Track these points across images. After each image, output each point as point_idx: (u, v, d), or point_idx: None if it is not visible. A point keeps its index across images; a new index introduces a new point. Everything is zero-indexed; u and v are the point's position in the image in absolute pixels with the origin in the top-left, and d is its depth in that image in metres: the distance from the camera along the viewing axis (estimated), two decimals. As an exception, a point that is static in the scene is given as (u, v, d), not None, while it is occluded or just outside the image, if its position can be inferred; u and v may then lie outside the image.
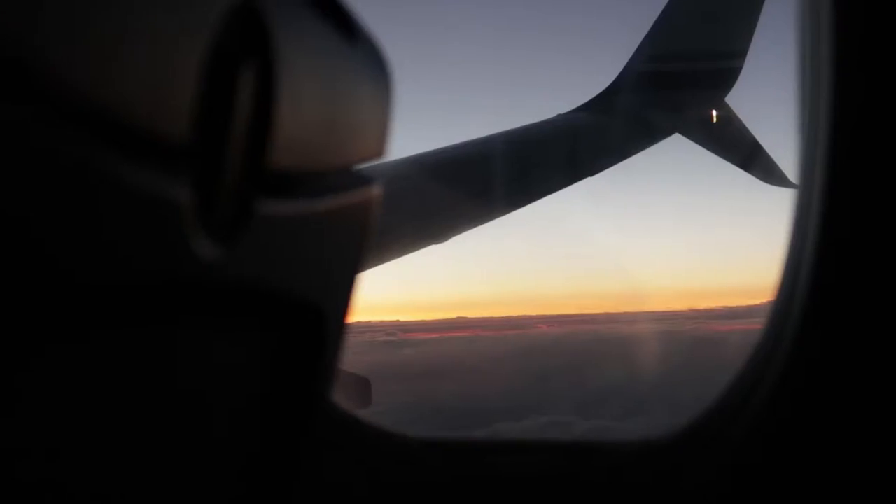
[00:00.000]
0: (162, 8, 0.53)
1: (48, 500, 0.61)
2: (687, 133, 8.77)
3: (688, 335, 15.91)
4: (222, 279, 0.65)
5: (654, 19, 8.89)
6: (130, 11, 0.51)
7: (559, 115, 8.92)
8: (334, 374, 0.93)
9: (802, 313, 1.20)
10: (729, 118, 8.73)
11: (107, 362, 0.63)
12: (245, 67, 0.62)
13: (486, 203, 7.98)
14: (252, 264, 0.68)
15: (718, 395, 1.31)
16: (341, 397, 1.33)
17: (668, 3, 8.74)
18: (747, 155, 8.77)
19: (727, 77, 8.53)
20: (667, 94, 8.59)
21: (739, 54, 8.41)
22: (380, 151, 0.87)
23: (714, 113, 8.70)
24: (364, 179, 0.86)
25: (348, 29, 0.79)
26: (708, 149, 8.91)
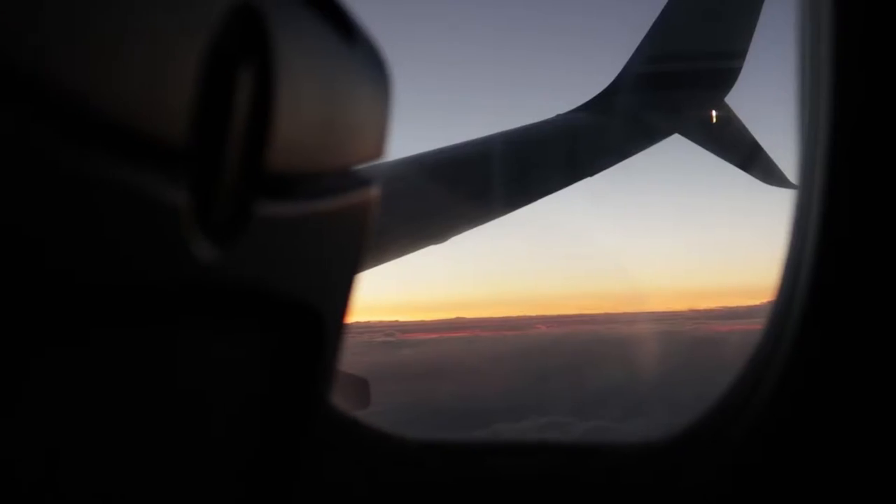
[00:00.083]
0: (160, 9, 0.53)
1: (48, 501, 0.61)
2: (686, 133, 8.78)
3: (687, 335, 15.92)
4: (221, 281, 0.65)
5: (653, 19, 8.91)
6: (128, 12, 0.51)
7: (558, 116, 8.93)
8: (333, 375, 0.93)
9: (802, 314, 1.20)
10: (728, 118, 8.74)
11: (106, 364, 0.63)
12: (243, 68, 0.62)
13: (486, 203, 7.99)
14: (250, 266, 0.68)
15: (719, 395, 1.31)
16: (340, 398, 1.33)
17: (668, 2, 8.75)
18: (747, 155, 8.78)
19: (727, 77, 8.54)
20: (666, 95, 8.60)
21: (739, 54, 8.42)
22: (378, 152, 0.87)
23: (713, 113, 8.70)
24: (362, 181, 0.85)
25: (347, 29, 0.78)
26: (707, 149, 8.92)
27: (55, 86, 0.46)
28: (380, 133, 0.87)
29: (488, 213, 8.11)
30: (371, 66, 0.84)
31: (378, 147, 0.86)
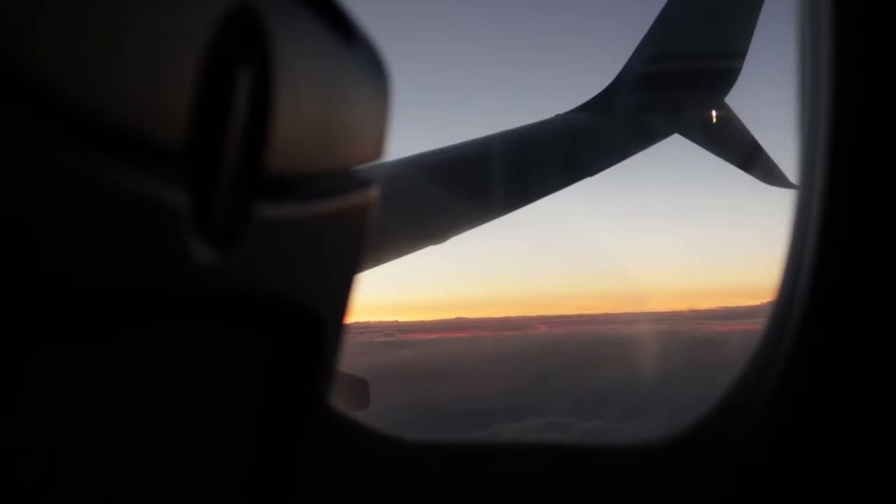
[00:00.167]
0: (158, 10, 0.53)
1: (47, 502, 0.60)
2: (686, 133, 8.78)
3: (687, 336, 15.92)
4: (219, 283, 0.65)
5: (653, 19, 8.91)
6: (126, 13, 0.50)
7: (558, 116, 8.93)
8: (332, 377, 0.92)
9: (803, 314, 1.20)
10: (728, 118, 8.74)
11: (105, 367, 0.62)
12: (242, 69, 0.61)
13: (485, 203, 7.99)
14: (249, 267, 0.68)
15: (719, 396, 1.31)
16: (339, 399, 1.33)
17: (668, 2, 8.75)
18: (747, 155, 8.78)
19: (726, 77, 8.54)
20: (666, 95, 8.60)
21: (739, 54, 8.42)
22: (377, 153, 0.86)
23: (713, 113, 8.70)
24: (362, 182, 0.85)
25: (345, 30, 0.78)
26: (707, 149, 8.93)
27: (53, 86, 0.46)
28: (379, 134, 0.87)
29: (488, 213, 8.11)
30: (370, 67, 0.84)
31: (377, 148, 0.86)
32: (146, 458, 0.71)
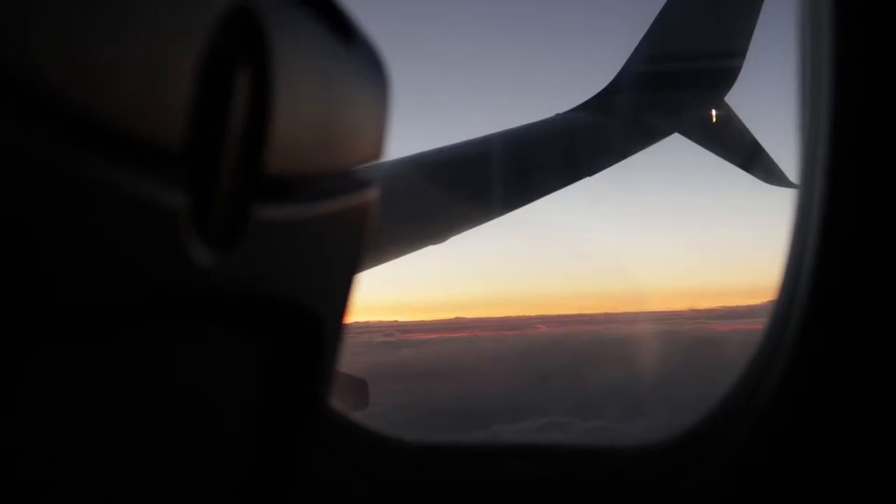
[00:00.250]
0: (156, 10, 0.53)
1: (48, 502, 0.60)
2: (686, 133, 8.78)
3: (688, 335, 15.91)
4: (219, 285, 0.64)
5: (653, 18, 8.90)
6: (124, 14, 0.50)
7: (558, 115, 8.93)
8: (332, 378, 0.92)
9: (804, 314, 1.20)
10: (728, 118, 8.73)
11: (105, 368, 0.62)
12: (241, 70, 0.61)
13: (485, 203, 7.99)
14: (249, 269, 0.68)
15: (720, 396, 1.31)
16: (338, 399, 1.33)
17: (668, 1, 8.75)
18: (747, 155, 8.77)
19: (726, 76, 8.53)
20: (666, 94, 8.60)
21: (739, 53, 8.42)
22: (377, 154, 0.86)
23: (713, 112, 8.70)
24: (361, 182, 0.85)
25: (345, 30, 0.78)
26: (707, 149, 8.92)
27: (50, 87, 0.46)
28: (378, 134, 0.86)
29: (488, 212, 8.11)
30: (369, 67, 0.84)
31: (377, 148, 0.86)
32: (146, 459, 0.71)
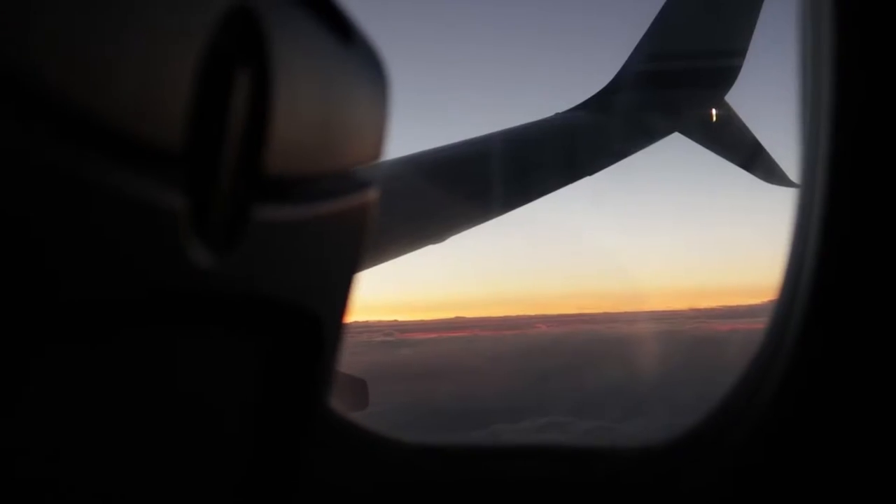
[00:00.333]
0: (156, 10, 0.52)
1: (48, 502, 0.60)
2: (686, 132, 8.78)
3: (688, 335, 15.91)
4: (219, 286, 0.64)
5: (653, 18, 8.91)
6: (123, 14, 0.50)
7: (557, 115, 8.93)
8: (331, 379, 0.92)
9: (805, 314, 1.20)
10: (729, 117, 8.74)
11: (104, 370, 0.62)
12: (240, 70, 0.61)
13: (485, 203, 7.99)
14: (248, 270, 0.68)
15: (720, 397, 1.31)
16: (338, 399, 1.33)
17: (668, 0, 8.75)
18: (748, 154, 8.78)
19: (727, 76, 8.54)
20: (666, 93, 8.60)
21: (739, 53, 8.42)
22: (377, 154, 0.86)
23: (714, 112, 8.70)
24: (361, 183, 0.85)
25: (344, 30, 0.78)
26: (708, 148, 8.93)
27: (50, 87, 0.46)
28: (378, 134, 0.86)
29: (487, 212, 8.11)
30: (369, 67, 0.84)
31: (376, 148, 0.86)
32: (146, 459, 0.71)
